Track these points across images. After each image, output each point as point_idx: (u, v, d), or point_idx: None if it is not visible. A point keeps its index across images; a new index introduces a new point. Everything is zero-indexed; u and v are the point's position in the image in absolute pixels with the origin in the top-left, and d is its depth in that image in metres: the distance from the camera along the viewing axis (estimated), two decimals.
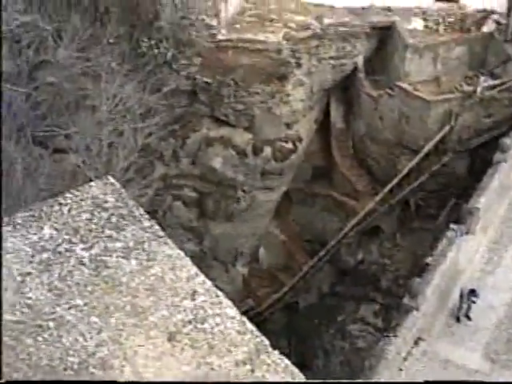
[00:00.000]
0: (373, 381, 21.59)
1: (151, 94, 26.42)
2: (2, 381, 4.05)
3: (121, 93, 20.61)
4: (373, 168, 38.16)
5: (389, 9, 37.99)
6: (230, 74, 34.77)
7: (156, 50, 32.76)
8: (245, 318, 4.44)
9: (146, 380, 4.11)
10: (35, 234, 5.16)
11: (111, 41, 30.03)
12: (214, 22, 35.10)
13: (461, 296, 25.75)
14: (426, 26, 37.14)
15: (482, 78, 35.29)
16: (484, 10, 36.99)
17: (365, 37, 37.55)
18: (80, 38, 21.95)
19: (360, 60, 37.67)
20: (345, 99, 39.77)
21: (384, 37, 37.79)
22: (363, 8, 38.13)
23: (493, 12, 36.79)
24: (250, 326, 4.39)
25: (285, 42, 35.15)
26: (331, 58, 37.07)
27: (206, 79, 34.85)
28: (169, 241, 4.99)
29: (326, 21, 36.86)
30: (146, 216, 5.20)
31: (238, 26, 36.07)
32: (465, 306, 25.61)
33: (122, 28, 32.45)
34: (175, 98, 32.53)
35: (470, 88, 34.94)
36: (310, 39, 36.11)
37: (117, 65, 25.03)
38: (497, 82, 34.84)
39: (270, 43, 34.82)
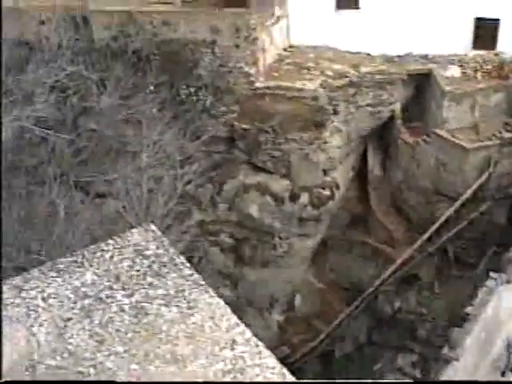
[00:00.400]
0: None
1: (191, 140, 26.88)
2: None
3: (161, 140, 21.01)
4: (410, 215, 37.84)
5: (426, 56, 38.21)
6: (268, 120, 35.16)
7: (195, 98, 33.40)
8: (285, 369, 4.41)
9: None
10: (77, 279, 5.23)
11: (152, 88, 30.73)
12: (253, 70, 35.71)
13: (508, 350, 24.97)
14: (464, 73, 37.13)
15: None
16: None
17: (402, 84, 37.70)
18: (122, 87, 22.56)
19: (397, 107, 37.78)
20: (382, 146, 39.82)
21: (421, 84, 37.93)
22: (400, 56, 38.42)
23: None
24: (289, 376, 4.36)
25: (322, 90, 35.48)
26: (368, 105, 37.23)
27: (243, 126, 35.30)
28: (209, 289, 5.02)
29: (363, 69, 37.18)
30: (187, 264, 5.24)
31: (275, 73, 36.61)
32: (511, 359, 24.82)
33: (163, 76, 33.21)
34: (214, 144, 32.99)
35: (509, 135, 34.69)
36: (347, 87, 36.37)
37: (157, 112, 25.57)
38: None
39: (308, 91, 35.18)
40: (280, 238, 37.60)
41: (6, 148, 16.16)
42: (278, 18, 38.52)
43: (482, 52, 37.98)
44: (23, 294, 4.89)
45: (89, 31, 41.23)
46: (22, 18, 44.75)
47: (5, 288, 4.95)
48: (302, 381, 31.38)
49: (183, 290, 4.98)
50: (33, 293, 4.93)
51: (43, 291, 4.96)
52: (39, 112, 17.15)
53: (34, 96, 17.43)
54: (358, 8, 38.87)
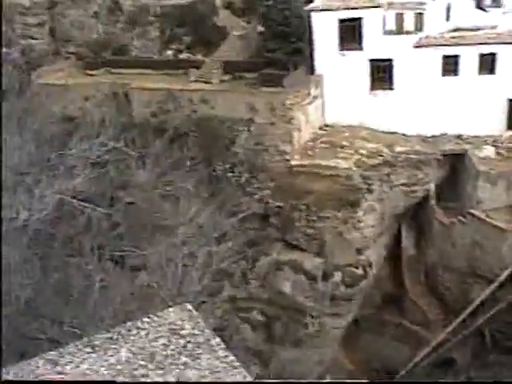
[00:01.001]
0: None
1: (226, 217, 27.21)
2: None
3: (197, 216, 21.36)
4: (445, 296, 37.17)
5: (460, 137, 38.43)
6: (302, 198, 35.40)
7: (230, 174, 33.91)
8: None
9: None
10: (112, 356, 5.29)
11: (189, 163, 31.33)
12: (288, 148, 36.27)
13: None
14: (499, 154, 37.15)
15: None
16: None
17: (436, 164, 37.81)
18: (161, 164, 23.17)
19: (432, 187, 37.78)
20: (416, 226, 39.60)
21: (456, 164, 38.01)
22: (435, 136, 38.70)
23: None
24: None
25: (356, 169, 35.75)
26: (403, 184, 37.32)
27: (278, 203, 35.57)
28: (244, 372, 5.05)
29: (398, 148, 37.49)
30: (222, 345, 5.29)
31: (310, 152, 37.10)
32: None
33: (200, 152, 33.90)
34: (248, 221, 33.23)
35: None
36: (382, 166, 36.62)
37: (194, 188, 26.02)
38: None
39: (342, 169, 35.49)
40: (312, 316, 37.14)
41: (44, 219, 16.56)
42: (314, 98, 39.34)
43: None
44: (58, 368, 4.98)
45: (129, 107, 42.65)
46: (67, 93, 46.60)
47: (40, 361, 5.04)
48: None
49: (218, 372, 5.00)
50: (67, 368, 5.01)
51: (78, 367, 5.04)
52: (79, 186, 17.65)
53: (75, 170, 17.98)
54: (392, 89, 39.52)
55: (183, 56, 48.91)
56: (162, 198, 23.55)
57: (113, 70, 49.26)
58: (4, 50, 57.89)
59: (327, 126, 40.04)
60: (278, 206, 35.54)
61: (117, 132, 20.95)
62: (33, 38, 60.63)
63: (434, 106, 38.39)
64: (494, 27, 41.72)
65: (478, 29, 41.00)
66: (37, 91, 40.34)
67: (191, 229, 20.98)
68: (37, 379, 4.33)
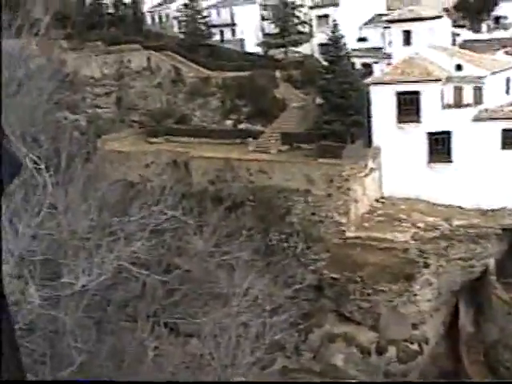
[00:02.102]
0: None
1: (281, 289, 27.24)
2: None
3: (252, 287, 21.48)
4: (506, 377, 35.64)
5: None
6: (358, 270, 35.08)
7: (286, 244, 34.00)
8: None
9: None
10: None
11: (244, 232, 31.60)
12: (344, 220, 36.27)
13: None
14: None
15: None
16: None
17: (496, 239, 37.03)
18: (217, 234, 23.53)
19: (491, 262, 36.89)
20: (474, 301, 38.50)
21: None
22: (494, 210, 38.06)
23: None
24: None
25: (413, 242, 35.35)
26: (460, 259, 36.61)
27: (333, 275, 35.32)
28: None
29: (456, 222, 36.98)
30: None
31: (367, 224, 36.97)
32: None
33: (256, 222, 34.19)
34: (302, 292, 33.12)
35: None
36: (439, 239, 36.11)
37: (249, 258, 26.18)
38: None
39: (399, 242, 35.16)
40: None
41: (102, 284, 16.91)
42: (371, 170, 39.47)
43: None
44: None
45: (189, 175, 43.62)
46: (129, 160, 48.12)
47: None
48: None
49: None
50: None
51: None
52: (138, 253, 18.01)
53: (135, 236, 18.40)
54: (450, 161, 39.33)
55: (242, 126, 50.10)
56: (218, 266, 23.78)
57: (173, 139, 50.74)
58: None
59: (384, 198, 39.95)
60: (333, 278, 35.27)
61: (176, 200, 21.47)
62: (100, 107, 63.30)
63: (493, 180, 37.92)
64: None
65: None
66: (101, 158, 41.81)
67: (246, 299, 21.02)
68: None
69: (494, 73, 40.53)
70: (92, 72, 63.55)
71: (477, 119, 38.44)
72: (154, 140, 51.72)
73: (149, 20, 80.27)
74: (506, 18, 72.00)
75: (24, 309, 13.92)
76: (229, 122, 51.65)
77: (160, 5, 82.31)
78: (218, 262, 23.83)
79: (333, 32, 44.10)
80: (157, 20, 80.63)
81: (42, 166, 15.35)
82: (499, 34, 65.05)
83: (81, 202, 18.86)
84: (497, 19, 71.53)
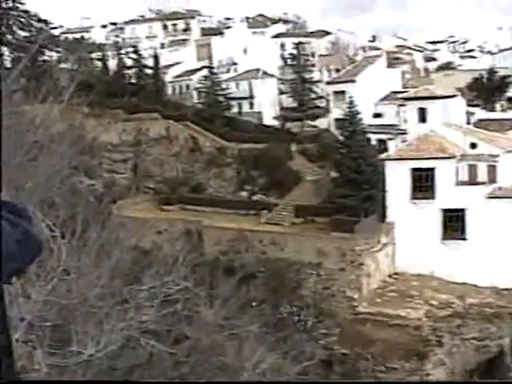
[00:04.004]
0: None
1: (291, 364, 26.80)
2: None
3: (261, 361, 21.18)
4: None
5: None
6: (369, 347, 34.50)
7: (296, 318, 33.65)
8: None
9: None
10: None
11: (255, 304, 31.35)
12: (356, 295, 35.97)
13: None
14: None
15: None
16: None
17: (511, 319, 36.42)
18: (228, 306, 23.39)
19: (506, 342, 36.15)
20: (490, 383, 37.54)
21: None
22: (509, 289, 37.60)
23: None
24: None
25: (426, 319, 34.87)
26: (474, 338, 35.96)
27: (343, 350, 34.74)
28: None
29: (469, 300, 36.54)
30: None
31: (379, 299, 36.61)
32: None
33: (267, 293, 33.98)
34: (312, 368, 32.46)
35: None
36: (452, 318, 35.61)
37: (259, 332, 25.86)
38: None
39: (411, 319, 34.70)
40: None
41: (110, 354, 16.76)
42: (384, 245, 39.37)
43: None
44: None
45: (201, 245, 43.67)
46: (142, 227, 48.32)
47: None
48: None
49: None
50: None
51: None
52: (147, 323, 17.91)
53: (146, 306, 18.33)
54: (464, 239, 39.19)
55: (256, 197, 50.45)
56: (228, 339, 23.51)
57: (187, 207, 51.07)
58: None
59: (397, 273, 39.67)
60: (343, 354, 34.68)
61: (188, 270, 21.44)
62: (116, 173, 64.09)
63: (507, 258, 37.63)
64: None
65: None
66: (115, 223, 42.04)
67: (255, 374, 20.68)
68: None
69: (507, 151, 40.87)
70: (110, 138, 64.71)
71: (491, 197, 38.50)
72: (168, 208, 52.09)
73: (170, 90, 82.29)
74: None
75: (30, 375, 13.81)
76: (243, 193, 52.06)
77: (181, 76, 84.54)
78: (227, 334, 23.59)
79: (349, 107, 44.93)
80: (177, 90, 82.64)
81: (57, 233, 15.51)
82: None
83: (93, 269, 18.92)
84: (510, 99, 72.84)
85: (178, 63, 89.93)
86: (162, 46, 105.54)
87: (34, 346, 13.83)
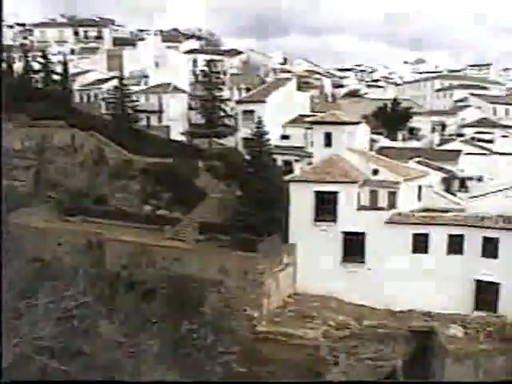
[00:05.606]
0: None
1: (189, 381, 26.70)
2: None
3: (160, 381, 20.87)
4: None
5: (429, 314, 38.68)
6: (267, 365, 34.72)
7: (196, 335, 33.42)
8: None
9: None
10: None
11: (155, 321, 30.91)
12: (256, 314, 36.15)
13: None
14: (466, 334, 37.22)
15: None
16: None
17: (404, 340, 37.66)
18: (128, 323, 22.96)
19: (399, 363, 37.31)
20: None
21: (423, 341, 37.84)
22: (403, 312, 38.94)
23: None
24: None
25: (323, 340, 35.50)
26: (369, 358, 36.90)
27: (241, 369, 34.78)
28: None
29: (366, 322, 37.53)
30: None
31: (278, 319, 36.97)
32: None
33: (167, 310, 33.59)
34: None
35: None
36: (349, 338, 36.43)
37: (159, 350, 25.55)
38: None
39: (309, 339, 35.21)
40: None
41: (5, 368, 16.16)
42: (286, 265, 39.89)
43: (483, 313, 38.53)
44: None
45: (103, 258, 42.71)
46: (41, 237, 46.76)
47: None
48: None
49: None
50: None
51: None
52: (43, 339, 17.40)
53: (42, 322, 17.79)
54: (363, 262, 40.28)
55: (161, 212, 49.97)
56: (127, 356, 23.06)
57: (90, 219, 49.91)
58: None
59: (297, 294, 40.25)
60: (241, 372, 34.74)
61: (88, 284, 20.94)
62: (17, 180, 61.77)
63: (403, 282, 39.00)
64: (461, 210, 43.63)
65: (447, 211, 42.82)
66: (14, 234, 40.51)
67: None
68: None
69: (407, 179, 42.54)
70: (12, 143, 62.42)
71: (389, 222, 39.85)
72: (70, 218, 50.76)
73: (77, 98, 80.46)
74: (419, 129, 76.87)
75: None
76: (148, 207, 51.45)
77: (90, 84, 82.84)
78: (126, 351, 23.19)
79: (257, 127, 45.43)
80: (85, 99, 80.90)
81: None
82: (413, 143, 69.13)
83: None
84: (411, 130, 76.18)
85: (87, 71, 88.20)
86: (72, 51, 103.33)
87: None
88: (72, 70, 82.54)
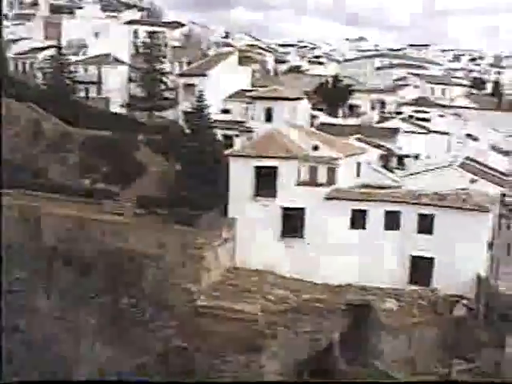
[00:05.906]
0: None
1: (129, 358, 26.49)
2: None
3: (99, 355, 20.65)
4: None
5: (364, 288, 39.46)
6: (206, 340, 34.81)
7: (134, 309, 33.19)
8: None
9: None
10: None
11: (94, 296, 30.54)
12: (195, 288, 36.15)
13: None
14: (400, 307, 38.17)
15: (456, 362, 35.49)
16: (456, 295, 38.32)
17: (341, 314, 38.33)
18: (65, 297, 22.60)
19: (335, 336, 37.99)
20: (320, 375, 39.27)
21: (360, 315, 38.60)
22: (340, 286, 39.60)
23: (462, 297, 38.25)
24: None
25: (262, 314, 35.80)
26: (307, 332, 37.44)
27: (181, 343, 34.76)
28: None
29: (304, 296, 38.01)
30: None
31: (217, 293, 37.07)
32: None
33: (106, 284, 33.23)
34: (152, 361, 32.27)
35: (445, 370, 34.88)
36: (287, 312, 36.84)
37: (97, 324, 25.25)
38: (471, 365, 35.01)
39: (248, 313, 35.45)
40: None
41: None
42: (225, 240, 39.92)
43: (417, 287, 39.58)
44: None
45: (38, 232, 41.74)
46: None
47: None
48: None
49: None
50: None
51: None
52: None
53: None
54: (302, 237, 40.67)
55: (99, 186, 49.14)
56: (65, 332, 22.73)
57: (26, 192, 48.65)
58: None
59: (236, 268, 40.41)
60: (181, 347, 34.74)
61: (23, 260, 20.41)
62: None
63: (341, 257, 39.60)
64: (398, 187, 44.51)
65: (385, 187, 43.61)
66: None
67: (92, 366, 20.16)
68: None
69: (347, 156, 43.02)
70: None
71: (329, 198, 40.30)
72: (5, 191, 49.33)
73: (12, 67, 77.92)
74: (359, 107, 77.95)
75: None
76: (86, 181, 50.52)
77: (26, 53, 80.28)
78: (64, 327, 22.85)
79: (198, 101, 45.05)
80: (20, 68, 78.44)
81: None
82: (352, 120, 70.07)
83: None
84: (351, 107, 77.15)
85: (22, 39, 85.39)
86: (6, 17, 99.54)
87: None
88: (6, 36, 79.76)
